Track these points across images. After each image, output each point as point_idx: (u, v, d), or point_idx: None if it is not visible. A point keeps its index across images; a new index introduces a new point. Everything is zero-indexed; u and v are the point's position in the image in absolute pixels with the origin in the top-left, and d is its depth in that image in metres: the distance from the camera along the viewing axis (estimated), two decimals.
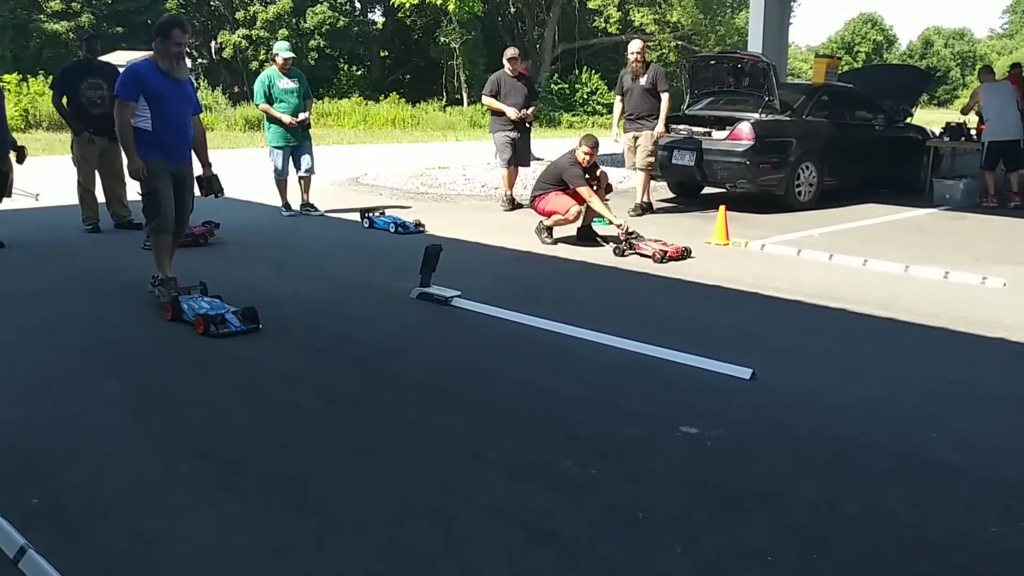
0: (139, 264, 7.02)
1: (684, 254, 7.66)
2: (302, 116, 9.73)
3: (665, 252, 7.51)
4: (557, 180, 8.27)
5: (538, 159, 13.85)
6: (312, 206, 10.05)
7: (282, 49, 9.78)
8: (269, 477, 3.39)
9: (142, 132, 5.80)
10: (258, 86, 9.69)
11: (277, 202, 10.13)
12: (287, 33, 37.10)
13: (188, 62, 6.58)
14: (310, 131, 10.00)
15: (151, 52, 5.99)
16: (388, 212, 9.59)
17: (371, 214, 9.37)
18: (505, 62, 10.41)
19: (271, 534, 2.95)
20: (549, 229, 8.38)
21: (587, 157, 8.17)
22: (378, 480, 3.37)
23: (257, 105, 9.85)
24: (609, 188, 8.61)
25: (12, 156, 8.11)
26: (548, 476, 3.40)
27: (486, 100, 10.53)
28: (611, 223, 8.09)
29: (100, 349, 5.08)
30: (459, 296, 6.06)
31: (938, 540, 2.97)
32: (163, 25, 5.94)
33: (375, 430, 3.89)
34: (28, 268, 7.20)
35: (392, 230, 8.95)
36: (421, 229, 8.99)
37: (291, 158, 9.83)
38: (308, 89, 10.02)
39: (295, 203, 10.03)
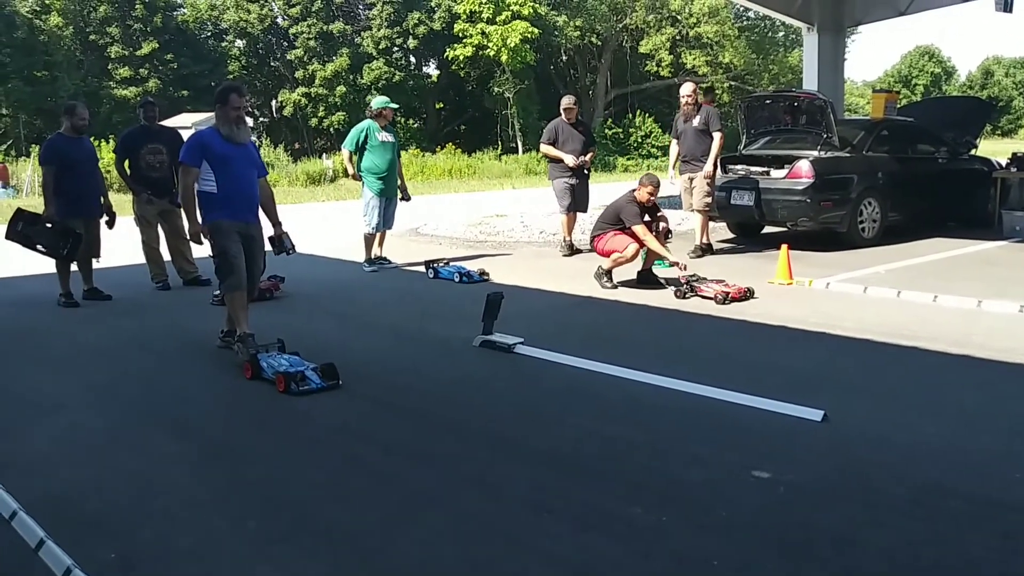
0: (207, 320, 7.16)
1: (747, 295, 7.55)
2: (407, 195, 10.23)
3: (727, 293, 7.42)
4: (615, 219, 8.26)
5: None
6: (386, 259, 10.15)
7: (384, 103, 9.98)
8: (334, 532, 3.38)
9: (209, 195, 5.98)
10: (354, 133, 9.81)
11: (340, 255, 10.25)
12: (344, 90, 37.97)
13: (250, 121, 6.77)
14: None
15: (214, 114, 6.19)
16: (453, 262, 9.65)
17: (436, 264, 9.47)
18: (561, 110, 10.48)
19: None
20: (608, 273, 8.35)
21: (649, 197, 8.17)
22: (442, 533, 3.34)
23: (344, 150, 9.95)
24: (668, 233, 8.56)
25: (104, 220, 8.45)
26: (617, 526, 3.34)
27: (544, 148, 10.57)
28: (668, 262, 8.04)
29: (164, 406, 5.14)
30: (522, 343, 6.04)
31: None
32: (221, 92, 6.18)
33: (438, 481, 3.86)
34: (99, 326, 7.37)
35: (457, 279, 9.01)
36: (486, 278, 9.04)
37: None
38: (399, 145, 10.25)
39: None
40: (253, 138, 6.63)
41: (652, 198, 8.22)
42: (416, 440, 4.42)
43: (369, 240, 9.96)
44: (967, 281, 8.03)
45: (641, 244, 8.15)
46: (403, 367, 5.89)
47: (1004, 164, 12.54)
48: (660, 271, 8.42)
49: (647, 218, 8.21)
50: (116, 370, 5.96)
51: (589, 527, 3.34)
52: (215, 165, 5.96)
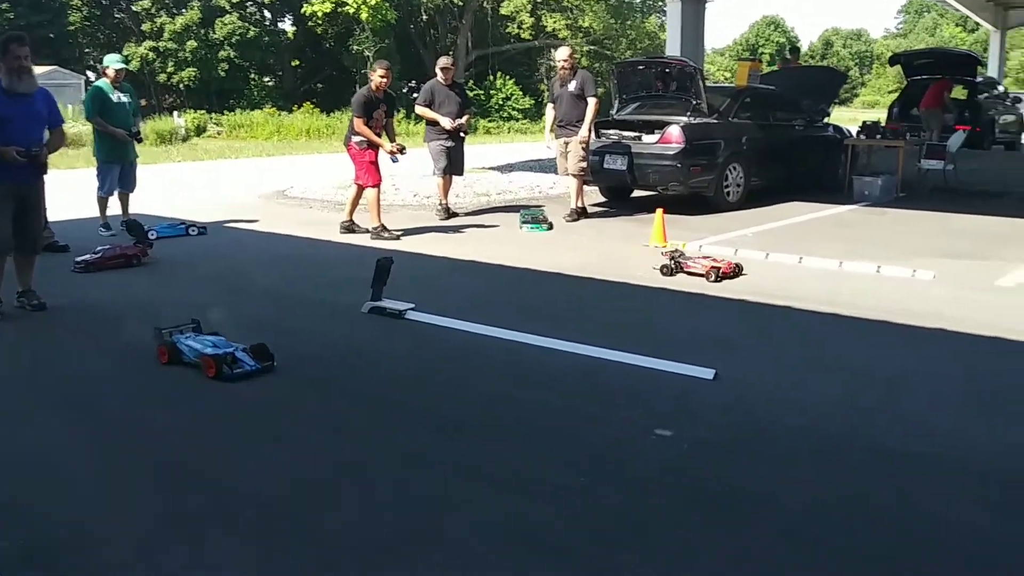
0: (77, 290, 6.83)
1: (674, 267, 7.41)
2: (136, 130, 9.89)
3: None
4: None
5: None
6: (135, 221, 9.59)
7: (114, 61, 9.62)
8: (259, 506, 3.31)
9: None
10: (92, 101, 9.41)
11: (206, 218, 9.88)
12: (195, 45, 36.33)
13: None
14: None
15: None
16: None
17: (147, 229, 8.83)
18: (438, 71, 10.33)
19: (273, 568, 2.90)
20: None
21: (381, 81, 9.01)
22: (368, 502, 3.34)
23: (91, 119, 9.51)
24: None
25: None
26: (539, 487, 3.41)
27: (420, 110, 10.44)
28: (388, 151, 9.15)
29: (49, 383, 4.83)
30: (412, 309, 6.00)
31: (932, 533, 3.08)
32: (1, 43, 6.04)
33: (356, 451, 3.83)
34: None
35: (193, 233, 9.35)
36: (204, 231, 9.48)
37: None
38: (138, 104, 10.06)
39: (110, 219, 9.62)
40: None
41: (386, 81, 9.00)
42: (323, 411, 4.35)
43: (104, 203, 9.56)
44: (826, 243, 8.50)
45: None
46: (292, 333, 5.66)
47: (854, 132, 13.28)
48: (534, 235, 8.47)
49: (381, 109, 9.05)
50: None
51: (515, 490, 3.40)
52: None
